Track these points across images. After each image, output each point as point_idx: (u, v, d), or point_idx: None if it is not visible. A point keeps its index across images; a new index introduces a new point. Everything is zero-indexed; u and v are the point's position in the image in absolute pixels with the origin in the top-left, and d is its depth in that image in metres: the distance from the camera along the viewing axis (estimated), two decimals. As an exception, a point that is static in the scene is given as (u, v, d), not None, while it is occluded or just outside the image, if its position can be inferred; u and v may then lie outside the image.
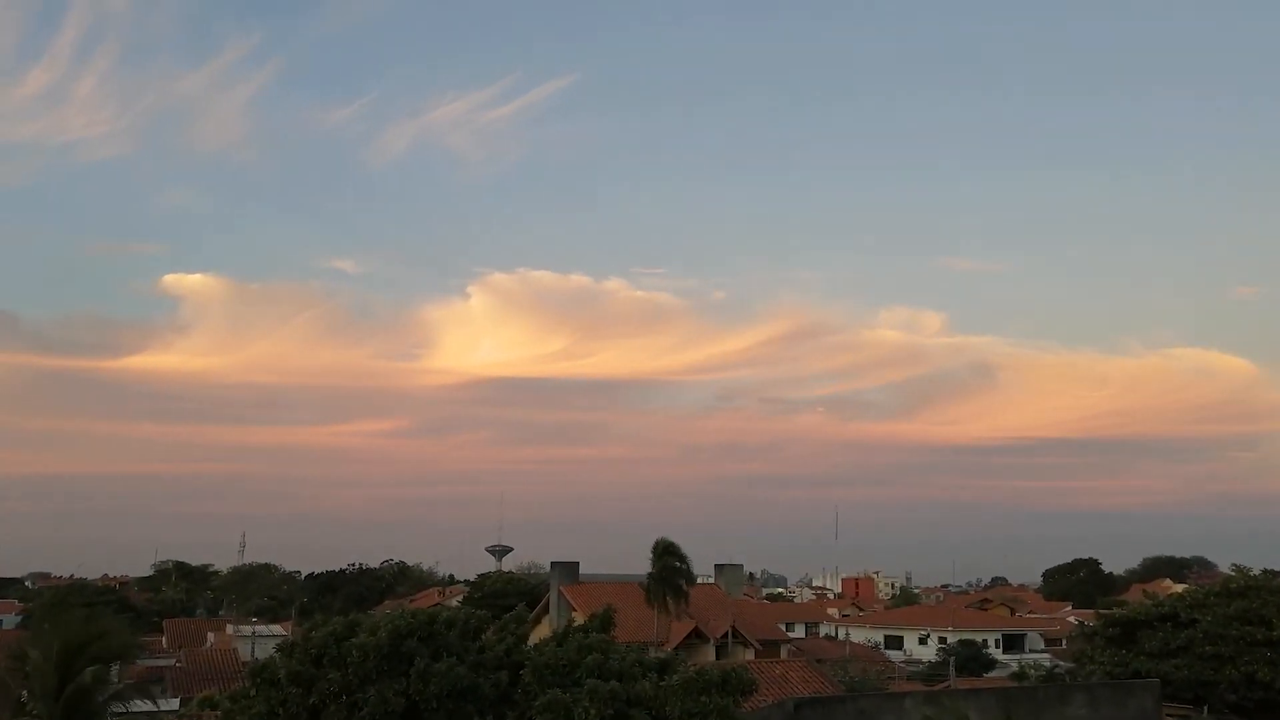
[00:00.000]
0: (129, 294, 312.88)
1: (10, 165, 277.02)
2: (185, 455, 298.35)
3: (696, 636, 53.86)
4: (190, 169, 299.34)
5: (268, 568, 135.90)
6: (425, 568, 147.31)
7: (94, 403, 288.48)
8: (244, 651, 56.78)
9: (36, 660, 25.08)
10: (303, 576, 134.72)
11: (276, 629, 68.02)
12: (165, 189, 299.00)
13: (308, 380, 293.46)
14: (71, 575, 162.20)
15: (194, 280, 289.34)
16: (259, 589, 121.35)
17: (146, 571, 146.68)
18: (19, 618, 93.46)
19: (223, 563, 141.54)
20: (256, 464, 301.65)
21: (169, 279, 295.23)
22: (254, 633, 64.98)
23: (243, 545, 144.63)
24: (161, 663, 53.84)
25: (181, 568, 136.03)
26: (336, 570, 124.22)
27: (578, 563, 58.20)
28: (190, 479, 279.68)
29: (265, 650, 58.60)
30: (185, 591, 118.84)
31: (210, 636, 67.26)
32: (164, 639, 67.42)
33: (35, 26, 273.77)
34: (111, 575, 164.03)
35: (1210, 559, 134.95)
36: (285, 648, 21.34)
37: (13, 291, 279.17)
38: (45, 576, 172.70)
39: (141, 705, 28.26)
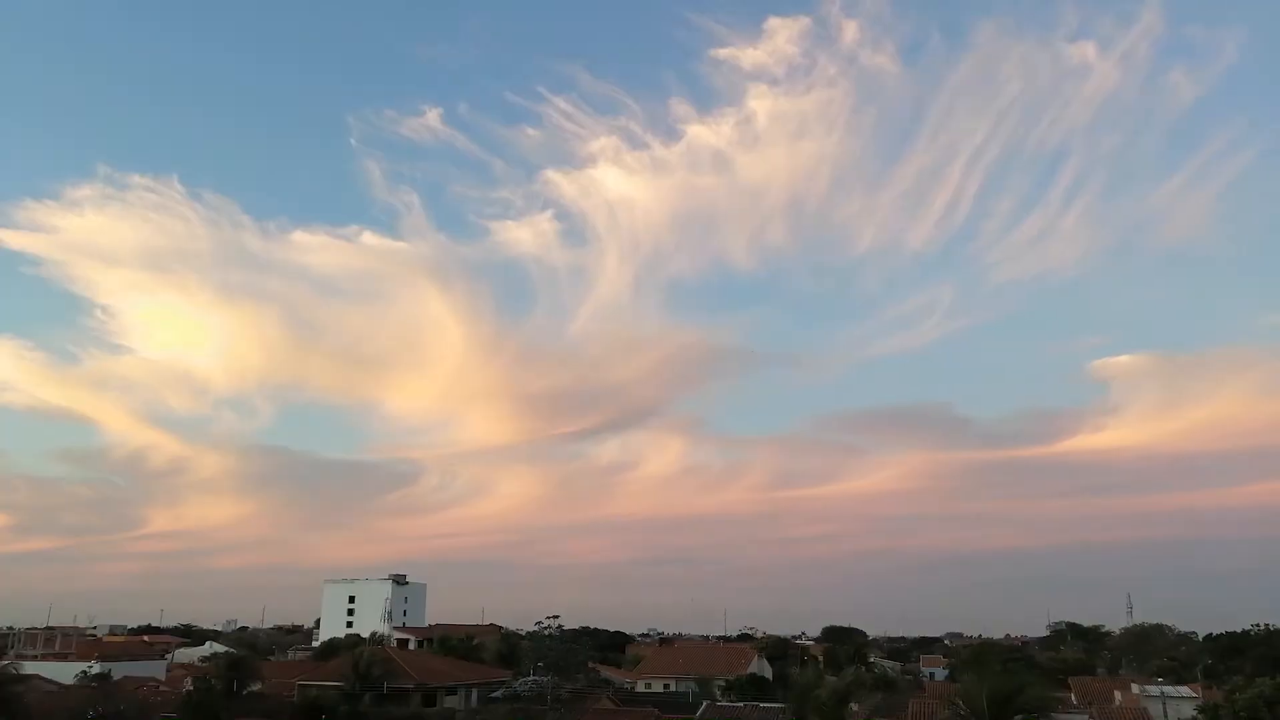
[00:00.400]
0: (1063, 384, 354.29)
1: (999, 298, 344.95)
2: (1083, 526, 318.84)
3: None
4: (1154, 266, 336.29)
5: (1161, 628, 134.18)
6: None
7: (1017, 485, 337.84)
8: (1154, 711, 59.83)
9: (971, 706, 32.82)
10: (1200, 637, 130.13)
11: (1184, 690, 68.85)
12: (1123, 290, 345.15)
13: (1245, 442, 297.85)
14: (979, 635, 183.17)
15: (1121, 362, 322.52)
16: (1155, 649, 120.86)
17: (1042, 632, 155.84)
18: (945, 671, 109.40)
19: (1112, 623, 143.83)
20: (1148, 529, 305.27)
21: (1098, 364, 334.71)
22: (1162, 693, 66.78)
23: (1130, 607, 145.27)
24: (1075, 718, 60.01)
25: (1075, 628, 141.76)
26: (1239, 631, 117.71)
27: None
28: (1079, 547, 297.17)
29: (1178, 711, 61.09)
30: (1083, 651, 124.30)
31: (1117, 695, 71.09)
32: (1072, 695, 73.77)
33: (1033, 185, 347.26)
34: (1013, 635, 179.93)
35: None
36: (1208, 709, 22.89)
37: (970, 398, 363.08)
38: (959, 636, 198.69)
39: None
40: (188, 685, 72.37)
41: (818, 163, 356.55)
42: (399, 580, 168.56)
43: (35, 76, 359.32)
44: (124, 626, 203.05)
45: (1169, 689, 68.54)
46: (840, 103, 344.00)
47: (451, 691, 70.30)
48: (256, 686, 68.15)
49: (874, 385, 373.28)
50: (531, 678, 69.50)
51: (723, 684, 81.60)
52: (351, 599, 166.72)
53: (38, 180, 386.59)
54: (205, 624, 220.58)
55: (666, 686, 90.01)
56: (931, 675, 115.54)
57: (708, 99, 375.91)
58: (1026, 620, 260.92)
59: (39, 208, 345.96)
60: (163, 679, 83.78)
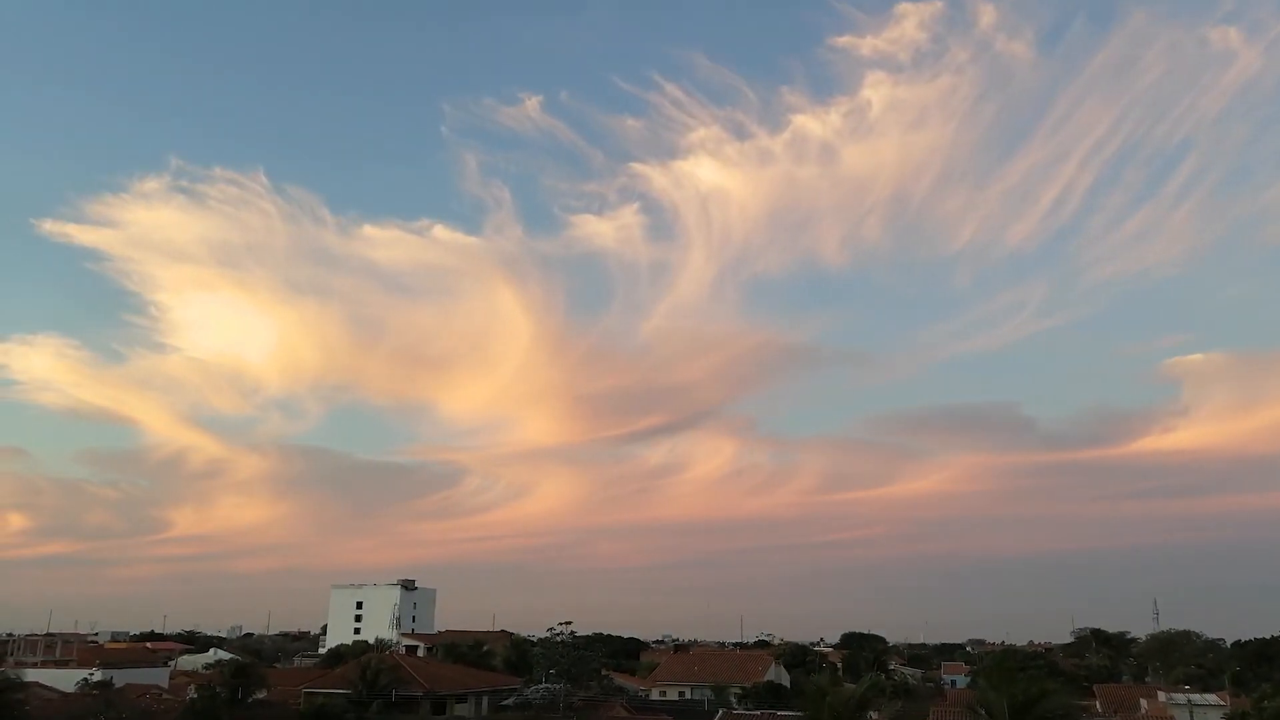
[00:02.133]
0: (1136, 384, 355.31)
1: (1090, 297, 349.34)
2: (1125, 529, 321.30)
3: None
4: (1252, 264, 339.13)
5: (1188, 635, 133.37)
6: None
7: (1071, 488, 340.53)
8: (1180, 719, 59.58)
9: (992, 714, 32.91)
10: (1228, 644, 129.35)
11: (1211, 698, 68.56)
12: (1216, 289, 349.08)
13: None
14: (1002, 641, 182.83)
15: (1195, 361, 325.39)
16: (1182, 656, 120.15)
17: (1066, 639, 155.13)
18: (967, 678, 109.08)
19: (1138, 630, 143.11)
20: (1186, 533, 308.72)
21: (1170, 363, 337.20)
22: (1189, 701, 66.63)
23: (1156, 613, 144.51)
24: (1099, 725, 59.81)
25: (1099, 635, 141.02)
26: (1268, 638, 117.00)
27: None
28: (1112, 552, 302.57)
29: (1204, 718, 60.83)
30: (1107, 658, 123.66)
31: (1143, 703, 70.80)
32: (1097, 703, 73.41)
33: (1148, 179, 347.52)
34: (1036, 642, 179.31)
35: None
36: (1235, 718, 23.53)
37: (1038, 398, 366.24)
38: (981, 642, 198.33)
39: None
40: (191, 693, 72.65)
41: (929, 156, 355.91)
42: (407, 586, 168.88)
43: (111, 66, 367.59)
44: (126, 633, 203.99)
45: (1196, 697, 68.60)
46: (964, 92, 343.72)
47: (461, 699, 70.32)
48: (262, 694, 68.24)
49: (942, 385, 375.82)
50: (543, 685, 69.51)
51: (739, 691, 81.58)
52: (359, 605, 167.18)
53: (107, 174, 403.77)
54: (210, 630, 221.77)
55: (681, 694, 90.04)
56: (953, 683, 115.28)
57: (820, 87, 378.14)
58: (1050, 626, 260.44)
59: (112, 201, 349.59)
60: (165, 686, 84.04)
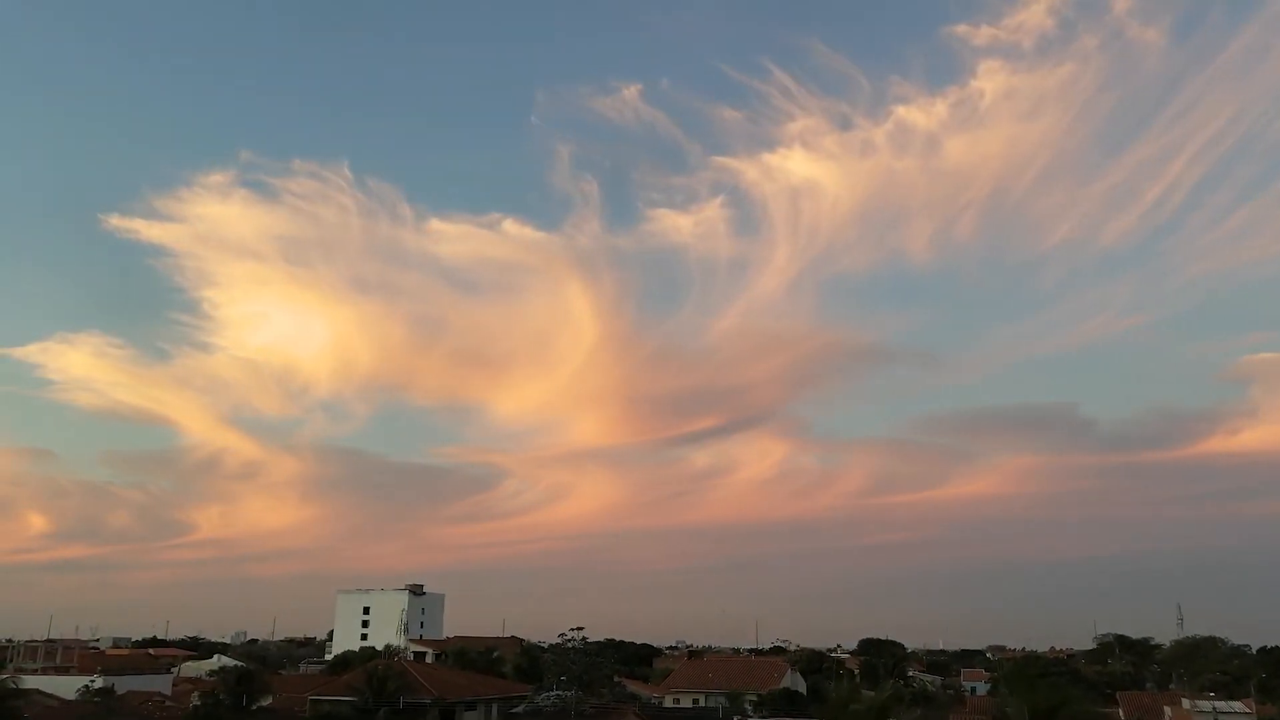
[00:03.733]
0: (1202, 384, 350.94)
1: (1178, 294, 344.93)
2: (1162, 534, 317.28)
3: None
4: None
5: (1213, 641, 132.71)
6: None
7: (1123, 491, 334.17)
8: (1204, 726, 59.29)
9: None
10: (1254, 650, 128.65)
11: (1237, 705, 68.23)
12: None
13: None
14: (1023, 648, 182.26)
15: (1265, 360, 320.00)
16: (1207, 663, 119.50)
17: (1089, 645, 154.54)
18: (988, 685, 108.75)
19: (1162, 636, 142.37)
20: (1220, 538, 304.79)
21: (1242, 361, 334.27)
22: (1214, 709, 66.29)
23: (1180, 618, 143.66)
24: (1123, 732, 59.47)
25: (1123, 641, 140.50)
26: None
27: None
28: (1136, 556, 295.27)
29: (1227, 727, 60.52)
30: (1131, 665, 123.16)
31: (1167, 710, 70.57)
32: (1120, 710, 73.20)
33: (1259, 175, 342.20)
34: (1057, 648, 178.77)
35: None
36: None
37: (1101, 398, 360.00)
38: (1001, 649, 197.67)
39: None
40: (194, 700, 72.81)
41: (1036, 149, 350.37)
42: (416, 591, 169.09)
43: (185, 57, 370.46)
44: (128, 639, 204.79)
45: (1221, 704, 68.45)
46: (1086, 81, 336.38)
47: (471, 706, 70.33)
48: (266, 701, 68.38)
49: (1003, 387, 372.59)
50: (554, 692, 69.47)
51: (754, 699, 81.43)
52: (366, 610, 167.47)
53: (176, 168, 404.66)
54: (213, 636, 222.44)
55: (695, 701, 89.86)
56: (973, 690, 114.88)
57: (930, 76, 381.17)
58: (1072, 632, 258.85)
59: (181, 196, 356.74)
60: (168, 693, 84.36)
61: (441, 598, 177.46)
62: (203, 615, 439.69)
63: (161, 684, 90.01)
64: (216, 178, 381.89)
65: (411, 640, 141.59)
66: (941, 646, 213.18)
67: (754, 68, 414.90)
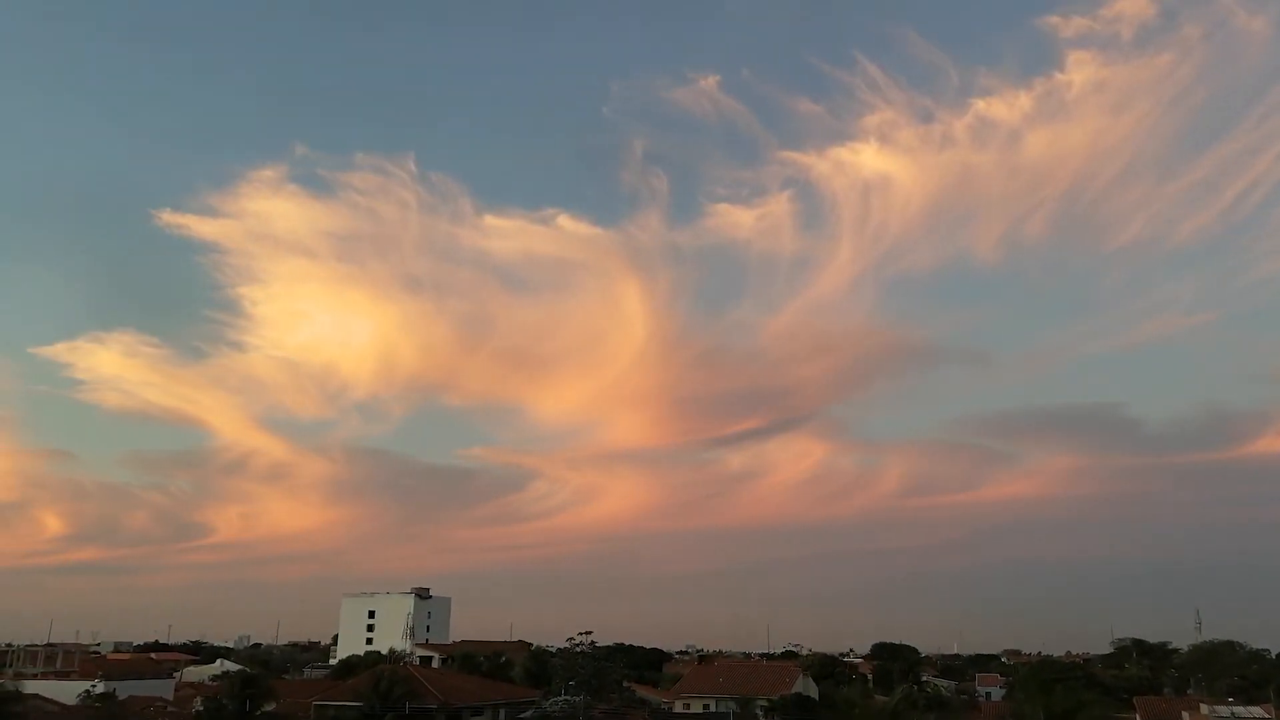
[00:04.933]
0: (1257, 384, 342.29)
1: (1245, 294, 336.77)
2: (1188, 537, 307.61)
3: None
4: None
5: (1231, 645, 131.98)
6: None
7: (1160, 493, 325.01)
8: (1223, 731, 58.94)
9: None
10: (1273, 654, 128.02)
11: (1256, 711, 67.81)
12: None
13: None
14: (1038, 652, 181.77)
15: None
16: (1225, 668, 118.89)
17: (1105, 649, 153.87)
18: (1002, 690, 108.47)
19: (1180, 640, 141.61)
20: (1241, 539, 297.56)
21: None
22: (1233, 714, 65.95)
23: (1199, 622, 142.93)
24: (1141, 738, 59.20)
25: (1140, 645, 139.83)
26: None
27: None
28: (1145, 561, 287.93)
29: (1246, 731, 60.19)
30: (1148, 669, 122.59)
31: (1185, 715, 70.14)
32: (1137, 716, 72.90)
33: None
34: (1073, 652, 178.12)
35: None
36: None
37: (1149, 398, 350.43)
38: (1016, 653, 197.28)
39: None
40: (197, 705, 72.98)
41: (1122, 142, 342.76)
42: (422, 594, 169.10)
43: (243, 52, 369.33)
44: (129, 643, 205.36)
45: (1240, 710, 68.22)
46: (1183, 73, 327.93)
47: (477, 712, 70.48)
48: (270, 707, 68.49)
49: (1055, 386, 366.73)
50: (563, 697, 69.49)
51: (765, 704, 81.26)
52: (371, 614, 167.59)
53: (229, 163, 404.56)
54: (216, 640, 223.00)
55: (706, 707, 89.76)
56: (988, 695, 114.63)
57: (1017, 67, 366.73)
58: (1088, 636, 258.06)
59: (237, 191, 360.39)
60: (170, 698, 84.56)
61: (448, 601, 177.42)
62: (210, 619, 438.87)
63: (163, 689, 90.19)
64: (269, 173, 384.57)
65: (417, 644, 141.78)
66: (956, 651, 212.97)
67: (842, 58, 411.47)
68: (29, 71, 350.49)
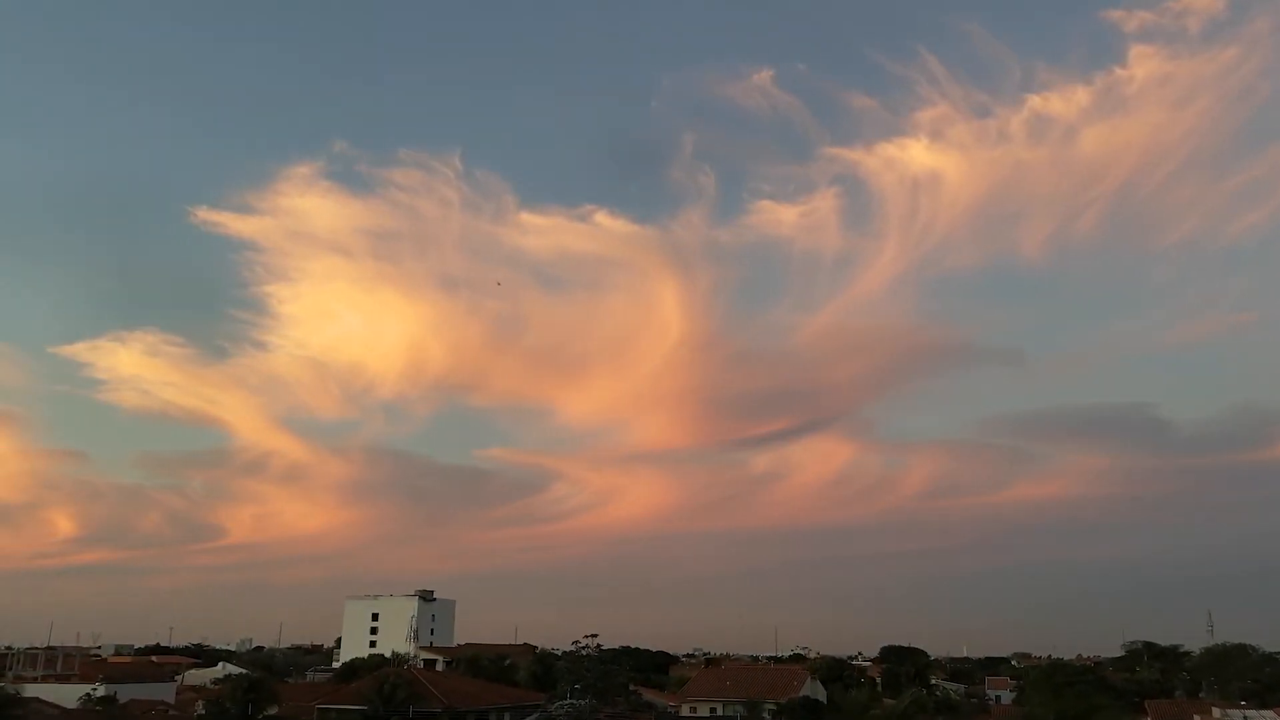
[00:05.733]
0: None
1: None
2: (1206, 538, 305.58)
3: None
4: None
5: (1244, 648, 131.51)
6: None
7: (1182, 495, 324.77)
8: (1237, 735, 58.79)
9: None
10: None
11: (1269, 714, 67.77)
12: None
13: None
14: (1049, 655, 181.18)
15: None
16: (1238, 671, 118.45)
17: (1117, 652, 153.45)
18: (1012, 693, 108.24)
19: (1192, 643, 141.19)
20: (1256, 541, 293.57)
21: None
22: (1245, 717, 65.97)
23: (1210, 625, 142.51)
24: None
25: (1151, 648, 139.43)
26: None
27: None
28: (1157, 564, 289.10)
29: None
30: (1160, 672, 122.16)
31: (1196, 719, 70.16)
32: (1148, 719, 72.68)
33: None
34: (1084, 655, 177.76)
35: None
36: None
37: (1183, 398, 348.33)
38: (1026, 656, 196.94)
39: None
40: (199, 709, 73.12)
41: (1181, 138, 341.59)
42: (426, 597, 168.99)
43: (284, 45, 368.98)
44: (130, 646, 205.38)
45: (1252, 713, 68.70)
46: (1249, 68, 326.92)
47: (482, 716, 70.35)
48: (273, 710, 68.62)
49: (1088, 386, 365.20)
50: (568, 700, 69.39)
51: (773, 707, 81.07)
52: (375, 616, 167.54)
53: (266, 160, 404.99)
54: (218, 643, 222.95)
55: (713, 710, 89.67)
56: (997, 698, 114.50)
57: (1077, 62, 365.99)
58: (1099, 639, 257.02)
59: (276, 188, 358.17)
60: (172, 702, 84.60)
61: (452, 604, 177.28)
62: (216, 622, 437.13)
63: (165, 692, 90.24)
64: (305, 169, 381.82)
65: (421, 647, 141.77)
66: (965, 654, 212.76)
67: (903, 51, 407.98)
68: (60, 63, 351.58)
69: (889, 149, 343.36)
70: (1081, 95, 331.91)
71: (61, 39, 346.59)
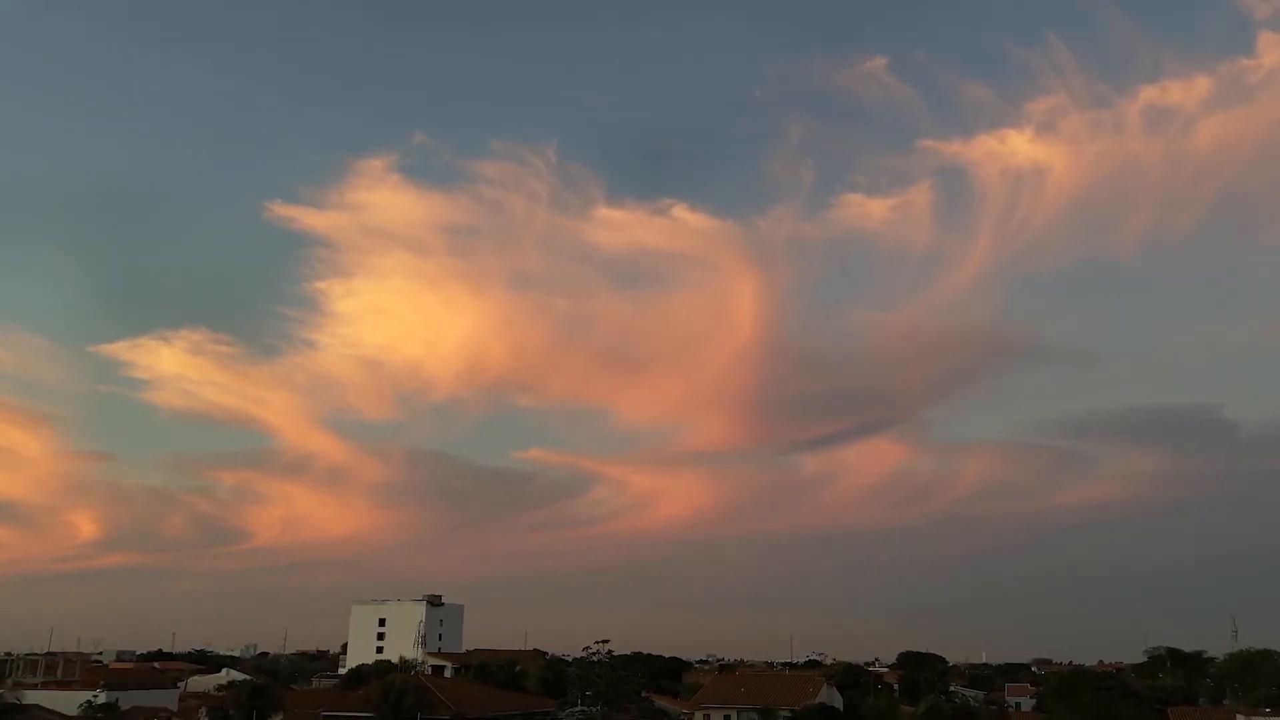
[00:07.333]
0: None
1: None
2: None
3: None
4: None
5: (1268, 654, 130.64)
6: None
7: (1248, 497, 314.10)
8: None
9: None
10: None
11: (1294, 721, 67.29)
12: None
13: None
14: (1069, 661, 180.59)
15: None
16: (1262, 677, 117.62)
17: (1139, 658, 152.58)
18: (1033, 700, 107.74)
19: (1215, 649, 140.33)
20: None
21: None
22: (1273, 724, 65.48)
23: (1235, 631, 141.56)
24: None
25: (1175, 654, 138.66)
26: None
27: None
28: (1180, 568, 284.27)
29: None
30: (1183, 679, 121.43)
31: (1223, 726, 69.63)
32: (1174, 726, 72.11)
33: None
34: (1106, 661, 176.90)
35: None
36: None
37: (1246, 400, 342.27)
38: (1047, 663, 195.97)
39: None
40: (203, 716, 73.08)
41: None
42: (434, 601, 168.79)
43: (370, 36, 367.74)
44: (132, 652, 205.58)
45: (1276, 720, 67.32)
46: None
47: (490, 722, 70.14)
48: (278, 717, 68.47)
49: (1155, 386, 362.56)
50: (579, 707, 69.19)
51: (788, 714, 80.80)
52: (382, 622, 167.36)
53: (345, 155, 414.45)
54: (223, 649, 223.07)
55: (727, 717, 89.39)
56: (1017, 705, 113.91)
57: (1202, 50, 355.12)
58: (1121, 645, 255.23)
59: (351, 183, 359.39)
60: (174, 709, 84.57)
61: (461, 609, 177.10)
62: (225, 627, 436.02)
63: (167, 699, 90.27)
64: (377, 163, 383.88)
65: (429, 653, 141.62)
66: (985, 660, 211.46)
67: (1033, 36, 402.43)
68: (121, 53, 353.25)
69: (989, 141, 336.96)
70: (1202, 85, 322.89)
71: (136, 23, 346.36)
